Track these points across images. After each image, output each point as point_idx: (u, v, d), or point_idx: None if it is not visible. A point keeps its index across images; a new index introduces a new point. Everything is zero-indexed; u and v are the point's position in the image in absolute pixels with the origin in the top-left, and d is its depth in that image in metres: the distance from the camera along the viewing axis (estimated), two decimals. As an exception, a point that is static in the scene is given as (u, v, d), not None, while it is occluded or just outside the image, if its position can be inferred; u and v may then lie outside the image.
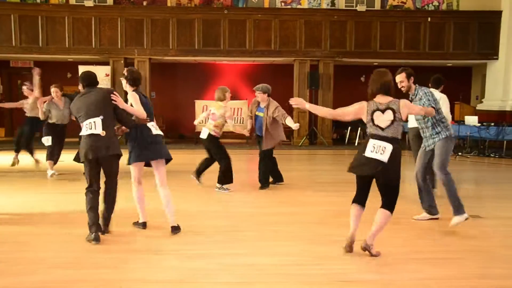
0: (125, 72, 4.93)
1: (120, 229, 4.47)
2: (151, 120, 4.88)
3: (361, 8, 14.09)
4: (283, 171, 7.66)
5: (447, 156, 5.29)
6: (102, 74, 13.54)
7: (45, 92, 8.47)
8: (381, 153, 4.08)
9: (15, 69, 16.08)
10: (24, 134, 8.61)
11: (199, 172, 7.39)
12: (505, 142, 12.02)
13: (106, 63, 13.97)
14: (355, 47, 14.20)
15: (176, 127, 16.16)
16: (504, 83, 14.04)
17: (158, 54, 14.03)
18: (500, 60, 14.10)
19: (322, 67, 14.29)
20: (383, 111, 4.20)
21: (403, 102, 4.25)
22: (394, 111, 4.18)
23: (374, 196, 4.30)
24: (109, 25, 13.78)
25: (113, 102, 4.60)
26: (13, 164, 8.84)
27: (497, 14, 14.04)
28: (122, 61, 13.71)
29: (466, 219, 5.12)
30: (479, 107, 14.70)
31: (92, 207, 4.55)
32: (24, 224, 5.25)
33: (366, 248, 4.21)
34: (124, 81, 4.90)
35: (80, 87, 5.05)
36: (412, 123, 6.47)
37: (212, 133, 6.93)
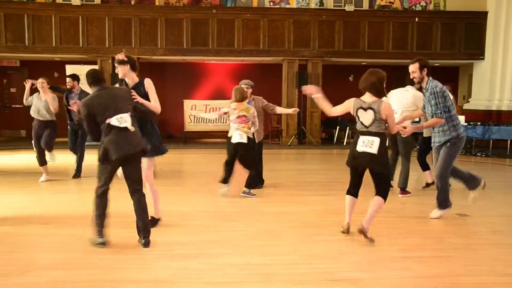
0: (121, 57, 4.68)
1: (111, 229, 4.46)
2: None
3: (350, 8, 14.16)
4: (272, 170, 7.68)
5: (450, 162, 5.39)
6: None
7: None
8: (370, 147, 4.47)
9: (1, 68, 15.87)
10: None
11: (226, 180, 6.86)
12: (491, 141, 12.18)
13: (94, 63, 13.82)
14: (344, 46, 14.26)
15: (164, 126, 16.09)
16: (490, 83, 14.23)
17: (147, 54, 13.94)
18: (486, 60, 14.28)
19: (311, 67, 14.33)
20: (365, 110, 4.52)
21: (385, 104, 4.50)
22: (374, 111, 4.46)
23: (367, 192, 4.34)
24: (97, 24, 13.66)
25: (134, 100, 4.54)
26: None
27: (483, 15, 14.23)
28: (110, 61, 13.55)
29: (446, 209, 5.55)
30: (466, 106, 14.88)
31: (106, 211, 4.39)
32: (14, 225, 5.20)
33: (362, 231, 4.51)
34: (123, 67, 4.71)
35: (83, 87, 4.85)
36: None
37: (251, 136, 6.72)
